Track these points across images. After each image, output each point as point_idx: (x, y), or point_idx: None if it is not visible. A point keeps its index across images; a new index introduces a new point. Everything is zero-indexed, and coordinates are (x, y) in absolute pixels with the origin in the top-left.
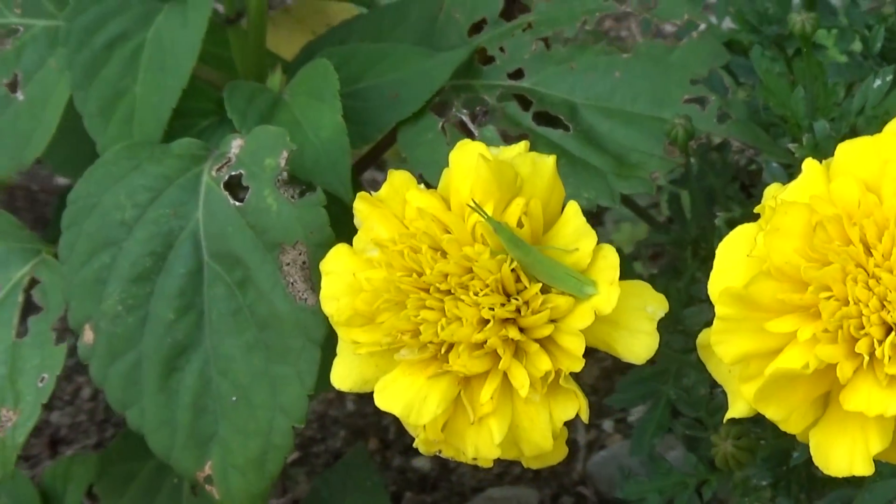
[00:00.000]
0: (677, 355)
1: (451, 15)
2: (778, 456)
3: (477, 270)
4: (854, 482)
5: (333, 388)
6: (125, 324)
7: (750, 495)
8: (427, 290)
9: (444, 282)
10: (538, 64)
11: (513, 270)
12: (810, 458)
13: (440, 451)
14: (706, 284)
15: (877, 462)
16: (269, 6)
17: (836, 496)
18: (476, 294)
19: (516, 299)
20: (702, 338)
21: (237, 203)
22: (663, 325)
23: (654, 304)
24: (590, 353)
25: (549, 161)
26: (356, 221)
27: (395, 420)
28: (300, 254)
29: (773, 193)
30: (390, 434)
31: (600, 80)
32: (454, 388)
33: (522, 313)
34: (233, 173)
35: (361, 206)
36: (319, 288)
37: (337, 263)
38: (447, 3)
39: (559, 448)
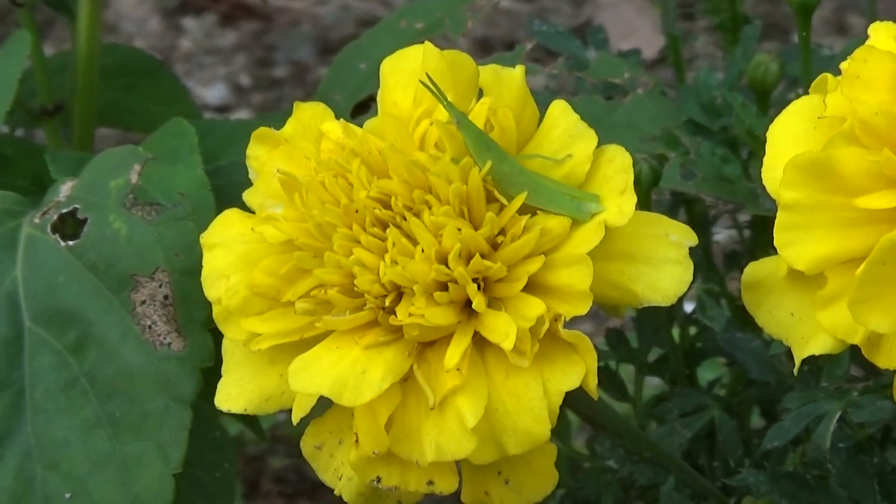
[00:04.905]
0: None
1: (328, 97)
2: None
3: (434, 181)
4: None
5: None
6: None
7: None
8: (362, 225)
9: (382, 208)
10: None
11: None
12: None
13: (378, 480)
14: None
15: None
16: None
17: None
18: (433, 216)
19: (488, 224)
20: (749, 272)
21: (70, 243)
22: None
23: (678, 233)
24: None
25: (517, 72)
26: (250, 175)
27: None
28: (160, 285)
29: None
30: None
31: None
32: (403, 360)
33: (499, 242)
34: (64, 211)
35: (258, 150)
36: (187, 326)
37: (225, 232)
38: (322, 86)
39: (547, 465)
